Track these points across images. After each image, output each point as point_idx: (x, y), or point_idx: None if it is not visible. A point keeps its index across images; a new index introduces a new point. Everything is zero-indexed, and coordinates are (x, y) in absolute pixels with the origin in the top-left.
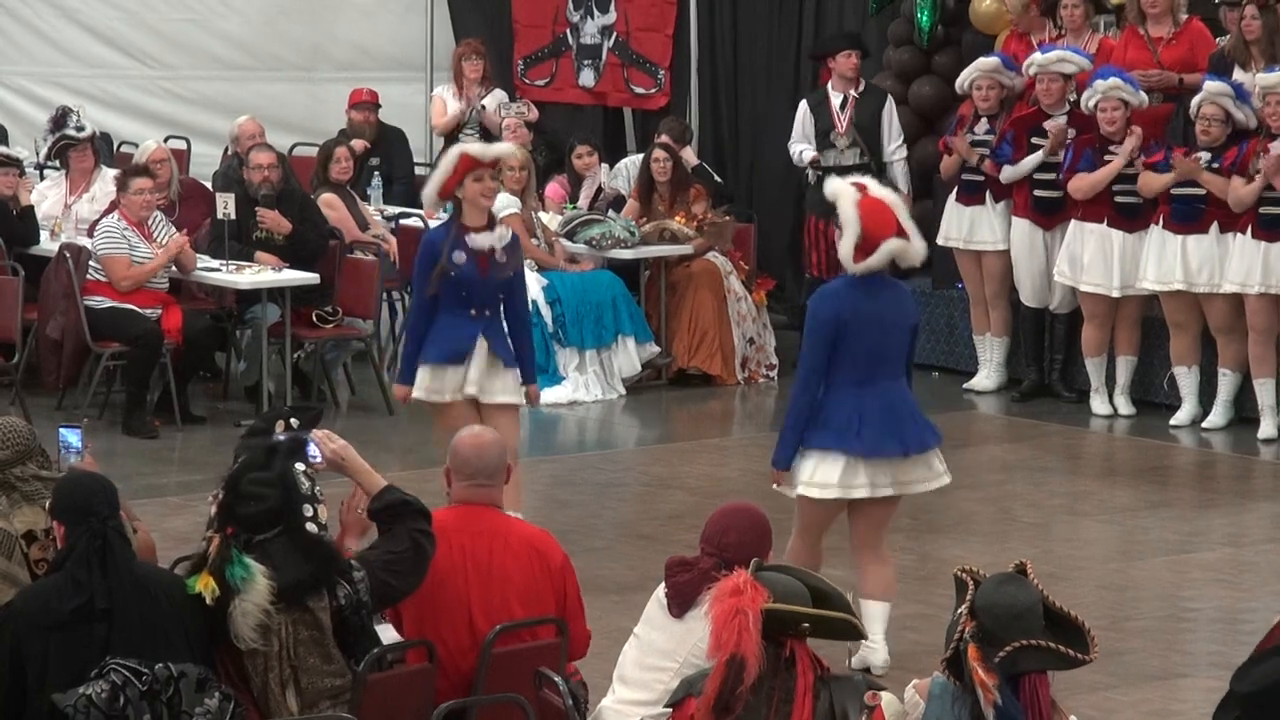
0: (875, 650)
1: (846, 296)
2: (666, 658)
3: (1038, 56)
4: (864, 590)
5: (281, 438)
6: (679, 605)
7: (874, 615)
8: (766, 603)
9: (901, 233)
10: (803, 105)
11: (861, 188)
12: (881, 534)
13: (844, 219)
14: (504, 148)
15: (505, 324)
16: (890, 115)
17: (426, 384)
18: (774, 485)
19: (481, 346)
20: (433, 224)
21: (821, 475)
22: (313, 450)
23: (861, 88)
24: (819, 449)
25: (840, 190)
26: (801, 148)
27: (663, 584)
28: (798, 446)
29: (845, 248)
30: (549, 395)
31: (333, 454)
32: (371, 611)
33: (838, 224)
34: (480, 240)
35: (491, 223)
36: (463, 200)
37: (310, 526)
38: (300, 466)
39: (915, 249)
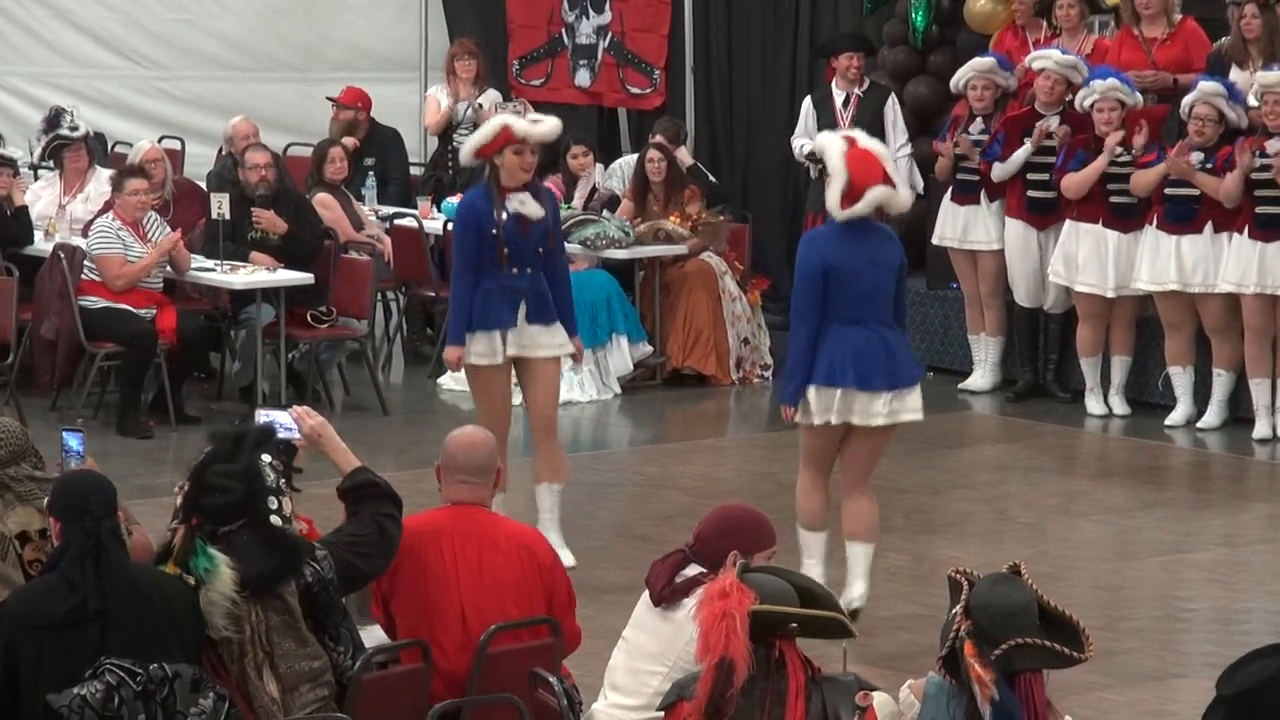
0: (852, 585)
1: (832, 242)
2: (655, 661)
3: (1055, 54)
4: (846, 529)
5: (250, 426)
6: (656, 599)
7: (855, 556)
8: (753, 605)
9: (887, 181)
10: (806, 101)
11: (850, 140)
12: (869, 469)
13: (831, 168)
14: (548, 129)
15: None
16: (893, 112)
17: (478, 348)
18: (785, 420)
19: (522, 308)
20: (428, 223)
21: (816, 404)
22: (289, 424)
23: (865, 86)
24: (813, 383)
25: (828, 141)
26: (802, 142)
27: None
28: (802, 384)
29: (833, 195)
30: None
31: (310, 430)
32: (338, 590)
33: (826, 174)
34: (519, 201)
35: (528, 184)
36: (500, 166)
37: (275, 519)
38: (266, 458)
39: (901, 196)
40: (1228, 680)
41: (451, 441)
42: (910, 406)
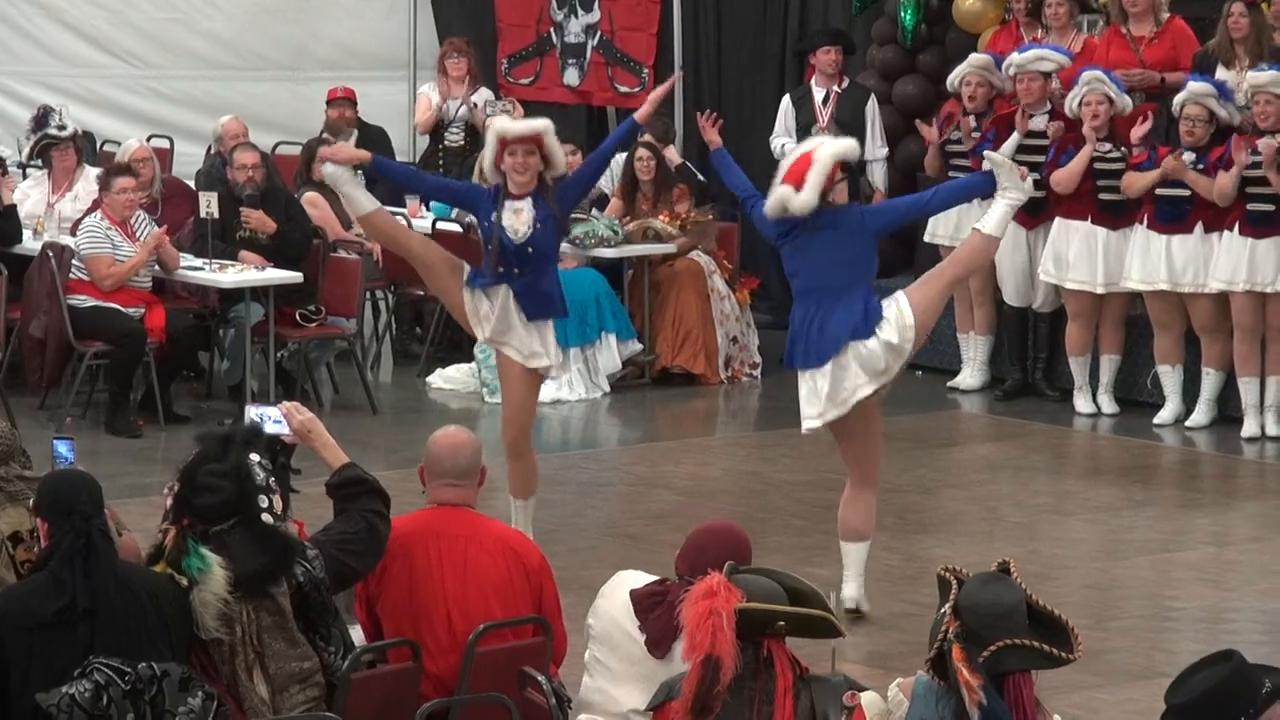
0: (847, 584)
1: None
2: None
3: (1015, 56)
4: (840, 529)
5: (238, 426)
6: (659, 644)
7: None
8: (741, 603)
9: (796, 183)
10: (785, 100)
11: (817, 143)
12: (857, 457)
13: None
14: (526, 125)
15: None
16: (873, 114)
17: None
18: None
19: (513, 305)
20: (417, 222)
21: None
22: (277, 418)
23: (844, 84)
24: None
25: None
26: (783, 141)
27: (605, 602)
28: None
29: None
30: None
31: (300, 425)
32: (330, 589)
33: None
34: (514, 210)
35: (525, 192)
36: (506, 173)
37: (266, 517)
38: (255, 457)
39: (800, 199)
40: (1176, 690)
41: (435, 443)
42: (855, 384)
